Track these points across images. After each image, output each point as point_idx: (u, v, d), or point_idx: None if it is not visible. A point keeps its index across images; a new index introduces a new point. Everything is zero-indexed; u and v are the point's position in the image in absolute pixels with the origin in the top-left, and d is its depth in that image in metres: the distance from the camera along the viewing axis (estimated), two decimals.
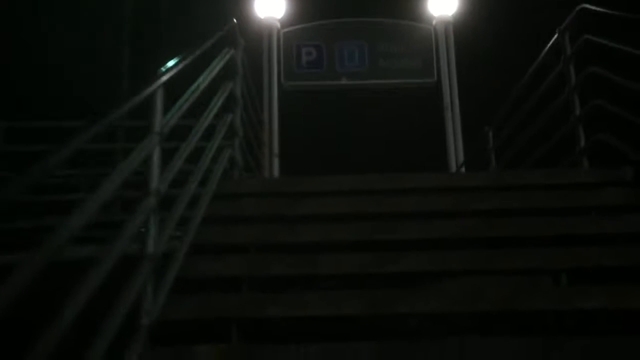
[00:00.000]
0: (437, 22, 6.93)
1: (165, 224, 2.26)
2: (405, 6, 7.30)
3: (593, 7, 3.56)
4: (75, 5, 8.62)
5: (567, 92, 3.78)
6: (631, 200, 2.98)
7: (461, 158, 6.47)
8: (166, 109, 2.30)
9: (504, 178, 3.47)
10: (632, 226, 2.80)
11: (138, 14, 9.06)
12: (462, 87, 6.80)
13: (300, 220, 2.99)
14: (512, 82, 4.90)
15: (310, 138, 7.97)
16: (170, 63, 2.30)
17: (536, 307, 2.38)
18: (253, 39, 6.46)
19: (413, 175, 3.35)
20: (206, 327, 2.42)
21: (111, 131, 6.59)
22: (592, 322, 2.52)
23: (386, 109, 8.11)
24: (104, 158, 4.89)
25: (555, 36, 3.96)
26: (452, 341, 2.17)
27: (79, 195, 4.37)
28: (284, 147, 6.51)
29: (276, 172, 6.30)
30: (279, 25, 6.85)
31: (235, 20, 3.72)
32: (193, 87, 2.69)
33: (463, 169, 6.27)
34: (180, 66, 2.39)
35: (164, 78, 2.16)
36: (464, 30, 7.07)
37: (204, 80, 2.87)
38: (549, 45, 4.05)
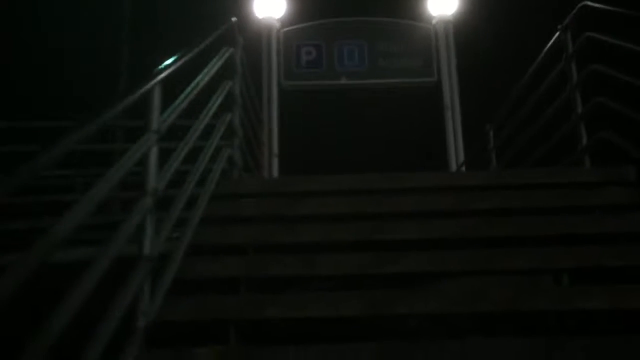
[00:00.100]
0: (437, 22, 6.90)
1: (163, 224, 2.24)
2: (405, 5, 7.28)
3: (594, 4, 3.53)
4: (74, 5, 8.61)
5: (568, 90, 3.75)
6: (634, 199, 2.95)
7: (461, 158, 6.44)
8: (166, 108, 2.28)
9: (505, 177, 3.45)
10: (634, 225, 2.78)
11: (136, 16, 9.06)
12: (463, 86, 6.78)
13: (300, 221, 2.97)
14: (513, 81, 4.88)
15: (310, 138, 7.96)
16: (168, 61, 2.28)
17: (538, 308, 2.36)
18: (252, 38, 6.43)
19: (413, 175, 3.32)
20: (204, 328, 2.39)
21: (111, 131, 6.58)
22: (594, 322, 2.50)
23: (386, 109, 8.10)
24: (105, 159, 4.86)
25: (557, 34, 3.93)
26: (453, 342, 2.15)
27: (76, 196, 4.35)
28: (283, 147, 6.48)
29: (275, 172, 6.28)
30: (278, 24, 6.82)
31: (234, 19, 3.70)
32: (192, 86, 2.66)
33: (463, 169, 6.25)
34: (178, 64, 2.36)
35: (161, 75, 2.13)
36: (464, 29, 7.05)
37: (202, 78, 2.84)
38: (550, 42, 4.02)
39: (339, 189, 3.22)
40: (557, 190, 3.12)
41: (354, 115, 8.27)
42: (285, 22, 6.88)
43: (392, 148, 8.45)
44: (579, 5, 3.69)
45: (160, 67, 2.17)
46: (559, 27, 3.91)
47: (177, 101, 2.42)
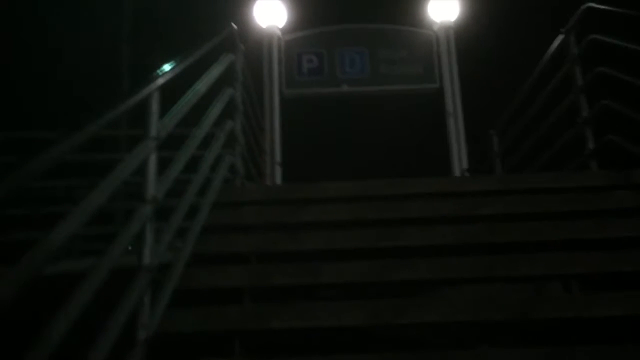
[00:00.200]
0: (439, 28, 6.87)
1: (163, 233, 2.19)
2: (407, 12, 7.26)
3: (599, 6, 3.49)
4: (75, 6, 8.63)
5: (573, 93, 3.70)
6: None
7: (465, 164, 6.39)
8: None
9: (510, 182, 3.39)
10: None
11: (137, 30, 9.08)
12: (465, 92, 6.74)
13: (303, 228, 2.92)
14: (515, 86, 4.85)
15: (313, 145, 7.92)
16: (167, 66, 2.24)
17: (550, 316, 2.30)
18: (254, 47, 6.42)
19: (416, 181, 3.27)
20: (208, 340, 2.34)
21: (115, 141, 6.55)
22: (606, 329, 2.44)
23: (388, 116, 8.06)
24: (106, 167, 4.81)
25: (561, 37, 3.89)
26: (460, 352, 2.10)
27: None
28: (285, 155, 6.44)
29: (278, 180, 6.24)
30: (279, 33, 6.81)
31: (234, 25, 3.66)
32: (191, 91, 2.62)
33: (467, 175, 6.20)
34: (177, 70, 2.32)
35: (160, 81, 2.09)
36: (466, 35, 7.02)
37: (202, 84, 2.80)
38: (554, 45, 3.98)
39: (342, 196, 3.17)
40: (564, 194, 3.07)
41: (356, 122, 8.23)
42: (286, 30, 6.87)
43: (394, 155, 8.41)
44: (583, 7, 3.65)
45: (158, 72, 2.13)
46: (562, 30, 3.87)
47: (177, 107, 2.37)
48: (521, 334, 2.49)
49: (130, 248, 2.06)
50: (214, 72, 3.10)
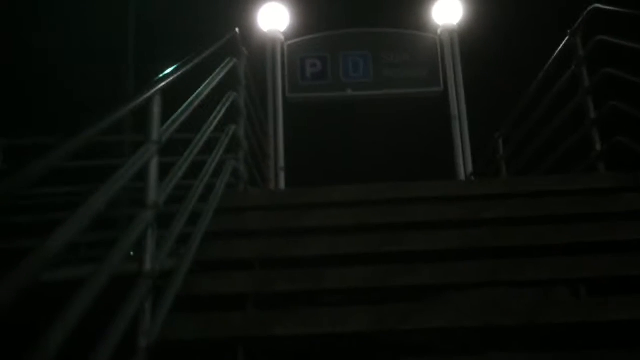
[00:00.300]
0: (442, 31, 6.84)
1: (165, 239, 2.16)
2: (410, 15, 7.24)
3: (605, 7, 3.45)
4: (79, 12, 8.66)
5: (580, 94, 3.66)
6: None
7: (470, 167, 6.34)
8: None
9: (516, 185, 3.35)
10: None
11: (141, 38, 9.10)
12: (469, 95, 6.70)
13: (307, 233, 2.88)
14: (520, 89, 4.81)
15: (317, 150, 7.90)
16: (168, 70, 2.21)
17: (557, 321, 2.25)
18: (257, 52, 6.41)
19: (421, 184, 3.24)
20: (210, 348, 2.30)
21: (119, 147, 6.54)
22: (613, 334, 2.40)
23: (392, 120, 8.04)
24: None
25: (567, 38, 3.85)
26: (473, 356, 2.06)
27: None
28: (289, 160, 6.42)
29: (282, 185, 6.21)
30: (282, 37, 6.79)
31: (237, 30, 3.65)
32: (194, 95, 2.60)
33: (472, 178, 6.15)
34: (179, 73, 2.30)
35: (161, 85, 2.06)
36: (470, 38, 6.99)
37: (205, 88, 2.78)
38: (560, 46, 3.94)
39: (345, 200, 3.14)
40: (571, 197, 3.03)
41: (360, 126, 8.21)
42: (289, 34, 6.85)
43: (399, 159, 8.38)
44: (590, 7, 3.61)
45: (160, 75, 2.11)
46: (568, 31, 3.83)
47: (179, 111, 2.35)
48: (527, 339, 2.45)
49: (132, 254, 2.04)
50: (217, 76, 3.08)
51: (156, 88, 2.03)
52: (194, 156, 2.57)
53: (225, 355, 2.25)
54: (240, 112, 3.66)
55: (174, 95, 2.41)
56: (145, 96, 1.94)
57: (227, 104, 3.32)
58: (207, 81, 2.88)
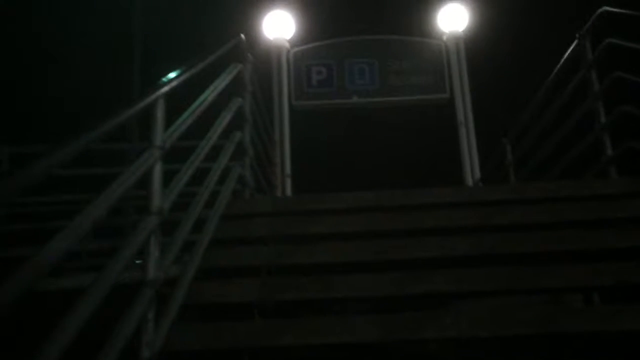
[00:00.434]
0: (448, 38, 6.81)
1: (169, 246, 2.11)
2: (416, 22, 7.22)
3: (614, 10, 3.40)
4: (85, 21, 8.70)
5: (590, 99, 3.61)
6: None
7: (477, 174, 6.29)
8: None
9: (526, 190, 3.29)
10: None
11: (147, 50, 9.13)
12: (476, 101, 6.66)
13: (314, 240, 2.83)
14: (527, 94, 4.76)
15: (323, 157, 7.86)
16: (172, 74, 2.18)
17: (571, 329, 2.19)
18: (263, 59, 6.39)
19: (429, 190, 3.19)
20: (215, 358, 2.25)
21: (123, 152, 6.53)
22: (628, 343, 2.33)
23: (399, 127, 8.00)
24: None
25: (576, 42, 3.80)
26: None
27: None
28: (296, 167, 6.38)
29: (289, 192, 6.17)
30: (288, 45, 6.78)
31: (242, 36, 3.62)
32: (199, 101, 2.56)
33: (480, 185, 6.09)
34: (183, 77, 2.26)
35: (165, 89, 2.03)
36: (476, 44, 6.95)
37: (210, 93, 2.74)
38: (569, 50, 3.88)
39: (353, 207, 3.09)
40: (583, 203, 2.96)
41: (367, 133, 8.18)
42: (295, 42, 6.84)
43: (406, 166, 8.33)
44: (599, 11, 3.56)
45: (163, 80, 2.07)
46: (577, 34, 3.78)
47: (183, 116, 2.31)
48: (541, 347, 2.39)
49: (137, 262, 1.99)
50: (222, 81, 3.04)
51: (159, 92, 1.99)
52: (199, 162, 2.53)
53: None
54: (246, 119, 3.62)
55: (180, 104, 2.38)
56: (148, 100, 1.90)
57: (233, 110, 3.29)
58: (212, 86, 2.84)
